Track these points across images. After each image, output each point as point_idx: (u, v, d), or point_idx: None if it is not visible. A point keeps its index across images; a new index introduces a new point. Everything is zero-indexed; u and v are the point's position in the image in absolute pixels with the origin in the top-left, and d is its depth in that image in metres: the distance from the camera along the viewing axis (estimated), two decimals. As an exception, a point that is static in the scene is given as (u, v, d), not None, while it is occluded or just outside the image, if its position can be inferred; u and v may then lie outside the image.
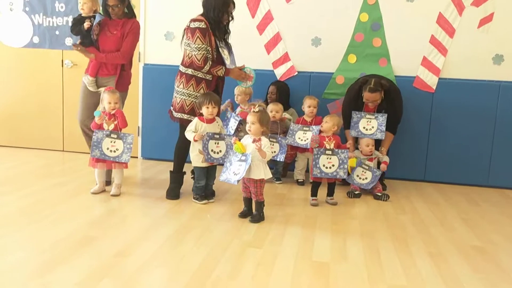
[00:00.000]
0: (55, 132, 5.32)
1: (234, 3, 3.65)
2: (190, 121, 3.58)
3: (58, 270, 2.36)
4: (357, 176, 4.00)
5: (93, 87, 3.85)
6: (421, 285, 2.41)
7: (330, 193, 3.79)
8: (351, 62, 4.65)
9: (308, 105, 4.27)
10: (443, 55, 4.52)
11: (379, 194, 3.96)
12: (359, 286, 2.36)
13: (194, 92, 3.58)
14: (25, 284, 2.21)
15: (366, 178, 3.99)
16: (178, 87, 3.64)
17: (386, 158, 4.11)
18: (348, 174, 3.83)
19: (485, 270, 2.63)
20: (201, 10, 3.62)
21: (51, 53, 5.19)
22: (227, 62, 3.63)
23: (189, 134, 3.53)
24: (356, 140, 4.22)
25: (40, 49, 5.21)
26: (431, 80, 4.53)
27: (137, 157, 5.12)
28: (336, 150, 3.68)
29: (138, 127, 5.10)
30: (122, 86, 3.90)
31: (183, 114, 3.63)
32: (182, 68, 3.64)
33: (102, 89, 3.69)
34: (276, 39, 4.78)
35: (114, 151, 3.60)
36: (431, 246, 2.95)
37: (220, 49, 3.61)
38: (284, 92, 4.53)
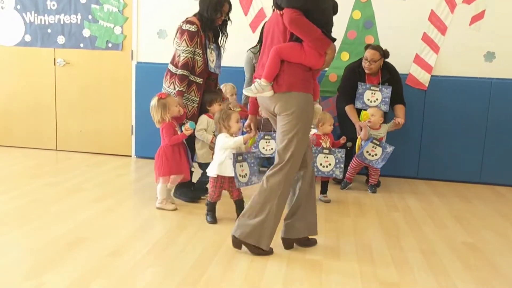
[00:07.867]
0: (48, 131, 5.29)
1: (230, 4, 3.58)
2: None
3: (51, 270, 2.36)
4: (367, 152, 4.01)
5: None
6: (413, 281, 2.42)
7: (324, 190, 3.80)
8: (344, 59, 4.66)
9: None
10: (435, 53, 4.54)
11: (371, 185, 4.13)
12: (352, 283, 2.37)
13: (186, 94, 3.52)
14: (19, 285, 2.21)
15: (376, 155, 4.00)
16: (169, 87, 3.54)
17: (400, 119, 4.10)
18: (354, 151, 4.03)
19: (476, 266, 2.65)
20: (193, 9, 3.61)
21: (43, 51, 5.16)
22: (212, 65, 3.56)
23: (203, 134, 3.48)
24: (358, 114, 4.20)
25: (32, 47, 5.18)
26: (424, 78, 4.55)
27: (130, 156, 5.11)
28: (333, 149, 3.69)
29: (132, 125, 5.08)
30: None
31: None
32: (172, 68, 3.55)
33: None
34: (269, 37, 4.76)
35: None
36: (423, 243, 2.97)
37: (208, 50, 3.53)
38: None
